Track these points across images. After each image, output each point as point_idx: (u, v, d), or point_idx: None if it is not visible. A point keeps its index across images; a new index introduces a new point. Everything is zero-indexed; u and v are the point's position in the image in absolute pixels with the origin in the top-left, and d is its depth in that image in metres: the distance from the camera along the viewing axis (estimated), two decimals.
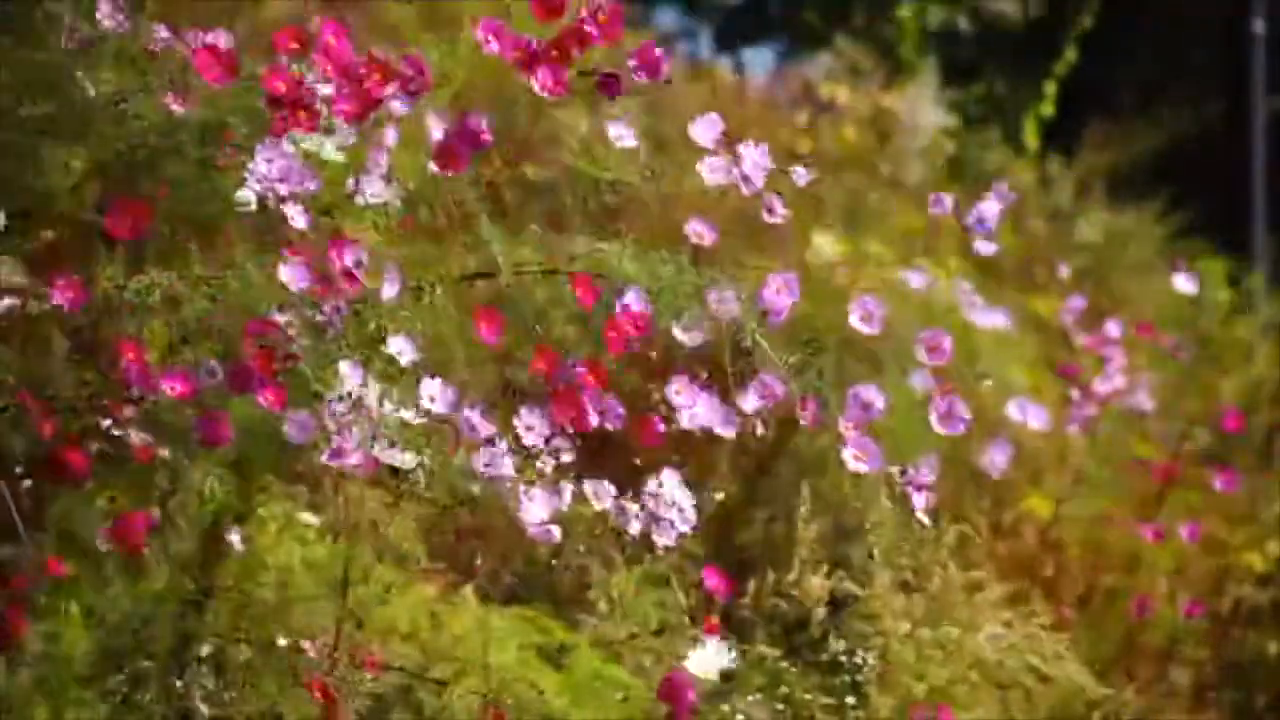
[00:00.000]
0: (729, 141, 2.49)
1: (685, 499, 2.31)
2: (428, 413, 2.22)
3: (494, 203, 2.55)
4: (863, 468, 2.33)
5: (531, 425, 2.25)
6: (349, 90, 2.25)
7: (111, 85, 2.31)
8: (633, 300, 2.34)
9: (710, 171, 2.50)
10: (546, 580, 3.24)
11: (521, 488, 2.22)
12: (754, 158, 2.50)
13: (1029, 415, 3.24)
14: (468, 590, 3.05)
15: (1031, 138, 8.60)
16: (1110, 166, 7.80)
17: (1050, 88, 8.75)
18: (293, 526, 2.69)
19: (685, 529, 2.30)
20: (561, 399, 2.27)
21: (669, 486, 2.30)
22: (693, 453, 3.46)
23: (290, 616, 2.57)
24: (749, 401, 2.33)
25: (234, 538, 2.29)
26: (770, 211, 2.49)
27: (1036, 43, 9.05)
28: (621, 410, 2.31)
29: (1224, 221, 8.10)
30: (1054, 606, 4.08)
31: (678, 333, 2.36)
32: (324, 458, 2.19)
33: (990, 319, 4.19)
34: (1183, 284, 4.90)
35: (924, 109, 6.72)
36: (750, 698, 2.89)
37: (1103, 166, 7.72)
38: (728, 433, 2.32)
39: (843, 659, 2.97)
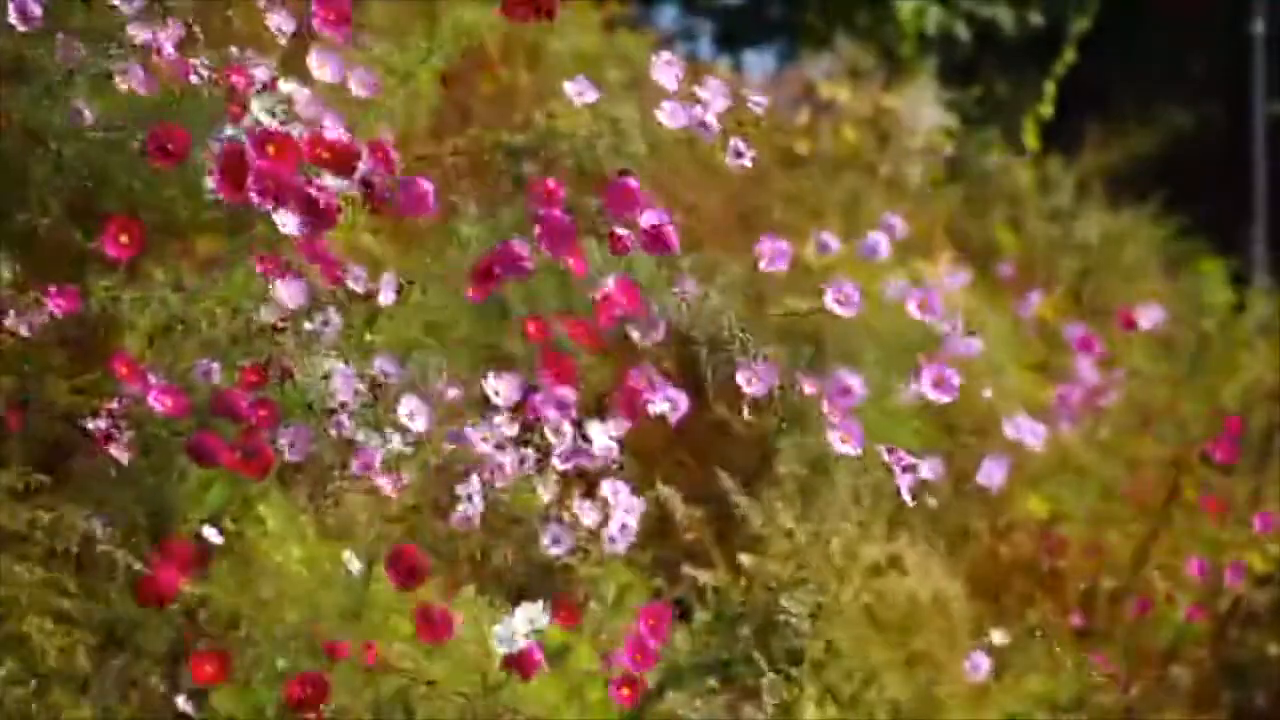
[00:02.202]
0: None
1: (633, 509, 2.31)
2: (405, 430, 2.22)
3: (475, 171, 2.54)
4: (848, 450, 2.33)
5: (498, 390, 2.26)
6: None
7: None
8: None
9: (669, 116, 2.40)
10: (547, 580, 3.24)
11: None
12: (713, 94, 2.40)
13: (1026, 433, 3.23)
14: (469, 590, 3.05)
15: (1031, 138, 8.60)
16: (1110, 167, 7.79)
17: (1050, 88, 8.74)
18: (293, 526, 2.69)
19: (627, 540, 2.30)
20: (549, 359, 2.29)
21: (620, 496, 2.30)
22: (696, 451, 3.47)
23: (287, 618, 2.57)
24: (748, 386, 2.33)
25: (210, 532, 2.29)
26: (738, 155, 2.43)
27: (1036, 44, 9.06)
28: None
29: (1224, 222, 8.10)
30: (1056, 608, 4.08)
31: (633, 332, 2.35)
32: (354, 468, 2.20)
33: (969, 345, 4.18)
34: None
35: (924, 109, 6.72)
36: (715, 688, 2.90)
37: (1103, 167, 7.72)
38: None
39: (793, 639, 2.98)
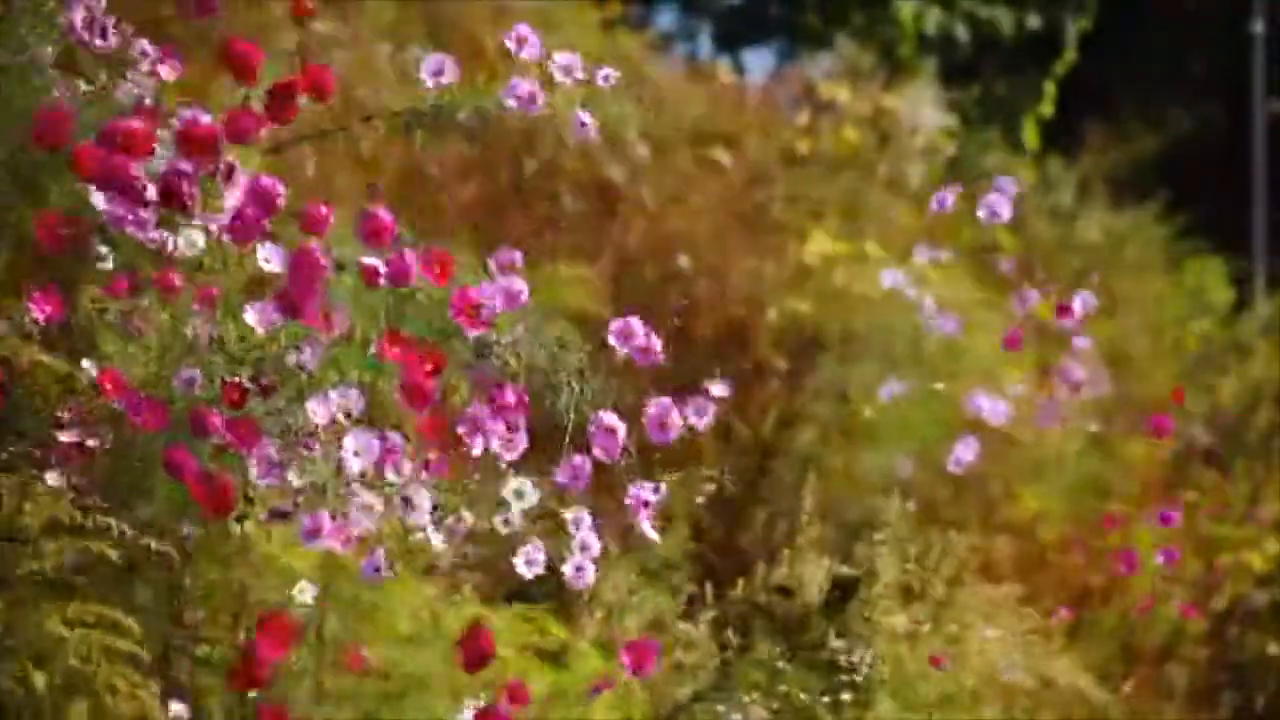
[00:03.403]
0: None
1: (593, 542, 2.28)
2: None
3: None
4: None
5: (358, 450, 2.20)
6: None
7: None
8: None
9: (512, 96, 2.35)
10: (547, 580, 3.24)
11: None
12: (565, 67, 2.35)
13: (988, 410, 3.22)
14: (468, 590, 3.05)
15: (1031, 138, 8.60)
16: (1111, 167, 7.80)
17: (1050, 88, 8.75)
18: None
19: (589, 576, 2.27)
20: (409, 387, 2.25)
21: (581, 528, 2.26)
22: (694, 452, 3.48)
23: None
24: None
25: (189, 531, 2.29)
26: (581, 126, 2.39)
27: (1036, 44, 9.07)
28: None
29: (1224, 222, 8.11)
30: (1050, 607, 4.08)
31: None
32: (301, 536, 2.17)
33: (948, 325, 4.19)
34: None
35: (924, 109, 6.73)
36: (746, 698, 2.89)
37: (1103, 167, 7.73)
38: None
39: (841, 658, 2.96)
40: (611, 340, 2.28)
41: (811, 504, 3.35)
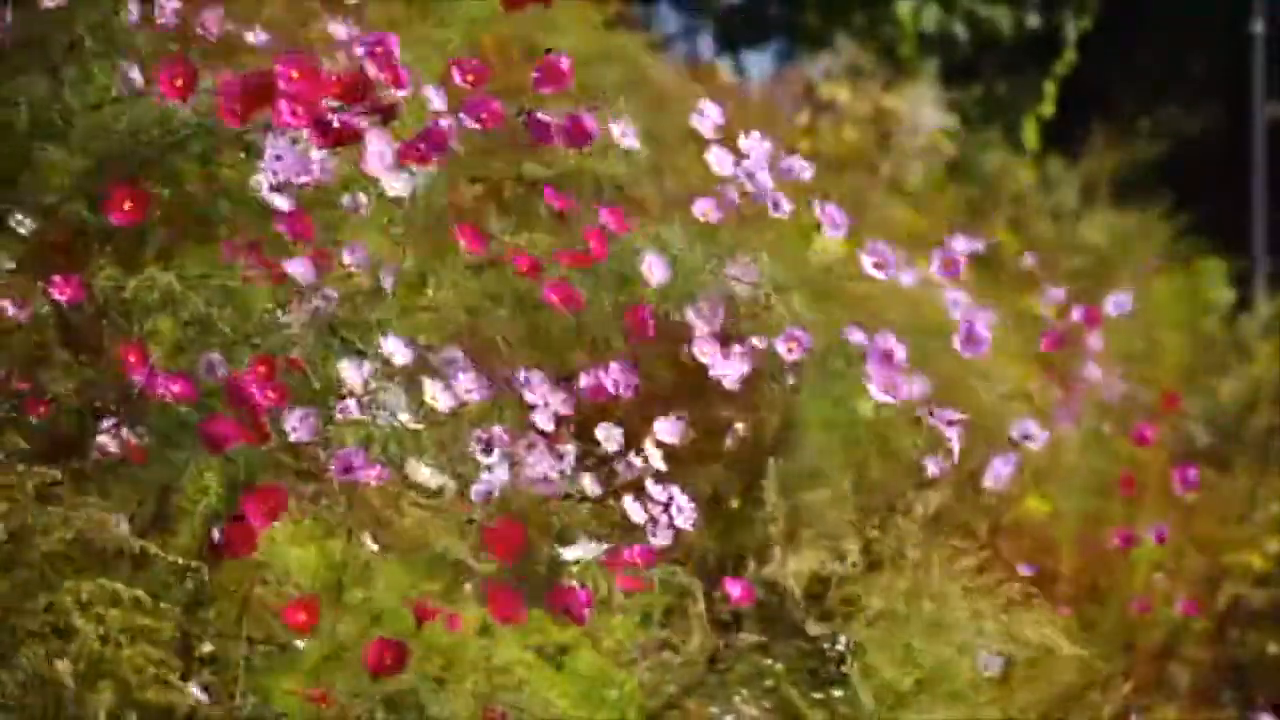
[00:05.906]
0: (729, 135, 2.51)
1: (682, 498, 2.34)
2: (430, 413, 2.22)
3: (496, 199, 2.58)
4: (888, 398, 2.37)
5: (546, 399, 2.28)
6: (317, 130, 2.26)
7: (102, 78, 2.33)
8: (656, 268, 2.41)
9: (717, 162, 2.52)
10: (547, 579, 3.24)
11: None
12: (755, 150, 2.53)
13: (1030, 436, 3.24)
14: (468, 589, 3.05)
15: (1031, 138, 8.61)
16: (1111, 167, 7.81)
17: (1050, 88, 8.76)
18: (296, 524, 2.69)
19: (685, 526, 2.34)
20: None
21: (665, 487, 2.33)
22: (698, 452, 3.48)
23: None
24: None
25: (217, 534, 2.29)
26: (776, 207, 2.51)
27: (1036, 44, 9.07)
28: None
29: (1224, 223, 8.11)
30: (1051, 606, 4.08)
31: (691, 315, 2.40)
32: (334, 472, 2.18)
33: (982, 317, 4.18)
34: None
35: (924, 109, 6.73)
36: (736, 695, 2.89)
37: (1104, 167, 7.73)
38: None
39: (824, 645, 2.96)
40: None
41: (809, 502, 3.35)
